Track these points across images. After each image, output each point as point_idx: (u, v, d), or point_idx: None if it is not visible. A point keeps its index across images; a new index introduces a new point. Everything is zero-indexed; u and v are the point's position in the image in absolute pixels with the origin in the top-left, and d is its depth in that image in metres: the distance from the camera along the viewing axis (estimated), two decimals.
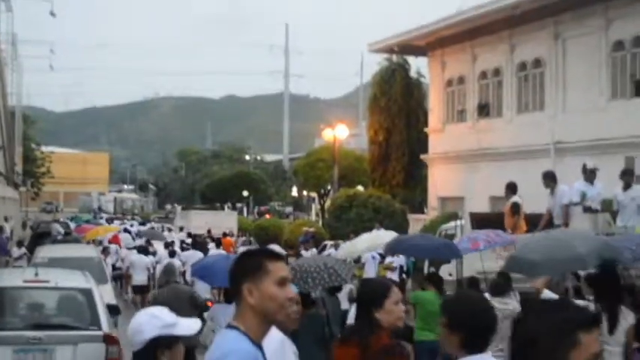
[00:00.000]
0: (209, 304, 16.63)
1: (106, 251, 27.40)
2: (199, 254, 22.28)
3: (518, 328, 2.64)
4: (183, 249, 26.57)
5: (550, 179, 15.60)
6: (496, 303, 8.92)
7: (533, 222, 15.46)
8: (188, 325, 4.24)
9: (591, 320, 2.57)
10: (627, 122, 25.42)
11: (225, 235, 35.68)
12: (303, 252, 26.98)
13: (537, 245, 10.31)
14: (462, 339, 3.99)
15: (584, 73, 28.00)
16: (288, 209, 79.89)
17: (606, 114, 26.70)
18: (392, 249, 15.63)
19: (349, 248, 19.86)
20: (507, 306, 9.75)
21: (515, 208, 15.61)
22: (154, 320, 4.16)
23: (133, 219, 68.39)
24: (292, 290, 3.63)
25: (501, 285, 10.42)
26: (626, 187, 14.99)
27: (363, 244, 18.72)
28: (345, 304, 16.07)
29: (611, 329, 7.92)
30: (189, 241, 31.86)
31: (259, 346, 3.48)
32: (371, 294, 5.00)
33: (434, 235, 19.65)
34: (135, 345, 4.17)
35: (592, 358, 2.53)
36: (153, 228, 43.43)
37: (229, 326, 3.54)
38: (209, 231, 37.52)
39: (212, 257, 14.10)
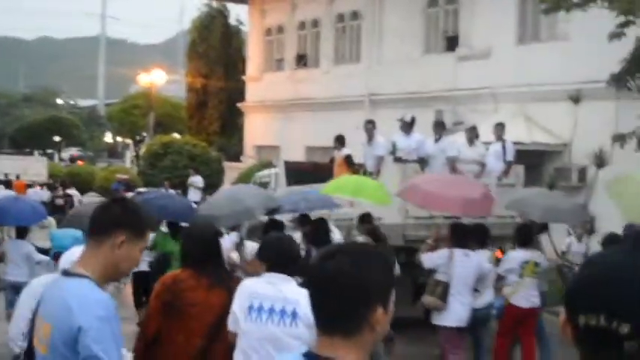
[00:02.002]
0: None
1: None
2: None
3: (341, 275, 2.44)
4: None
5: (373, 126, 15.82)
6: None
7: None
8: None
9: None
10: (439, 76, 26.13)
11: (17, 177, 35.69)
12: None
13: (217, 202, 12.12)
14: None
15: (399, 27, 28.50)
16: (86, 154, 76.72)
17: (419, 68, 27.33)
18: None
19: None
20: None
21: (350, 160, 15.69)
22: None
23: None
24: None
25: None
26: (437, 139, 15.48)
27: None
28: None
29: None
30: None
31: None
32: (217, 241, 5.86)
33: (179, 195, 19.49)
34: None
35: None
36: None
37: (74, 274, 3.33)
38: (6, 175, 36.46)
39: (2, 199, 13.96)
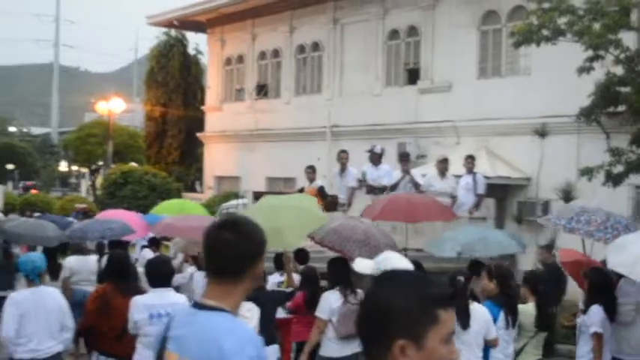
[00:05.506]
0: None
1: None
2: None
3: (370, 299, 2.41)
4: None
5: (347, 156, 15.85)
6: None
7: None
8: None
9: (450, 297, 2.44)
10: (400, 109, 26.28)
11: None
12: None
13: (26, 224, 15.03)
14: None
15: (360, 59, 28.67)
16: (38, 183, 75.40)
17: (380, 100, 27.47)
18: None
19: None
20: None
21: (322, 191, 15.67)
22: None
23: None
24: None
25: None
26: (404, 170, 15.55)
27: None
28: None
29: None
30: None
31: None
32: (129, 264, 9.33)
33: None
34: None
35: (448, 336, 2.35)
36: None
37: (214, 307, 3.11)
38: None
39: None
